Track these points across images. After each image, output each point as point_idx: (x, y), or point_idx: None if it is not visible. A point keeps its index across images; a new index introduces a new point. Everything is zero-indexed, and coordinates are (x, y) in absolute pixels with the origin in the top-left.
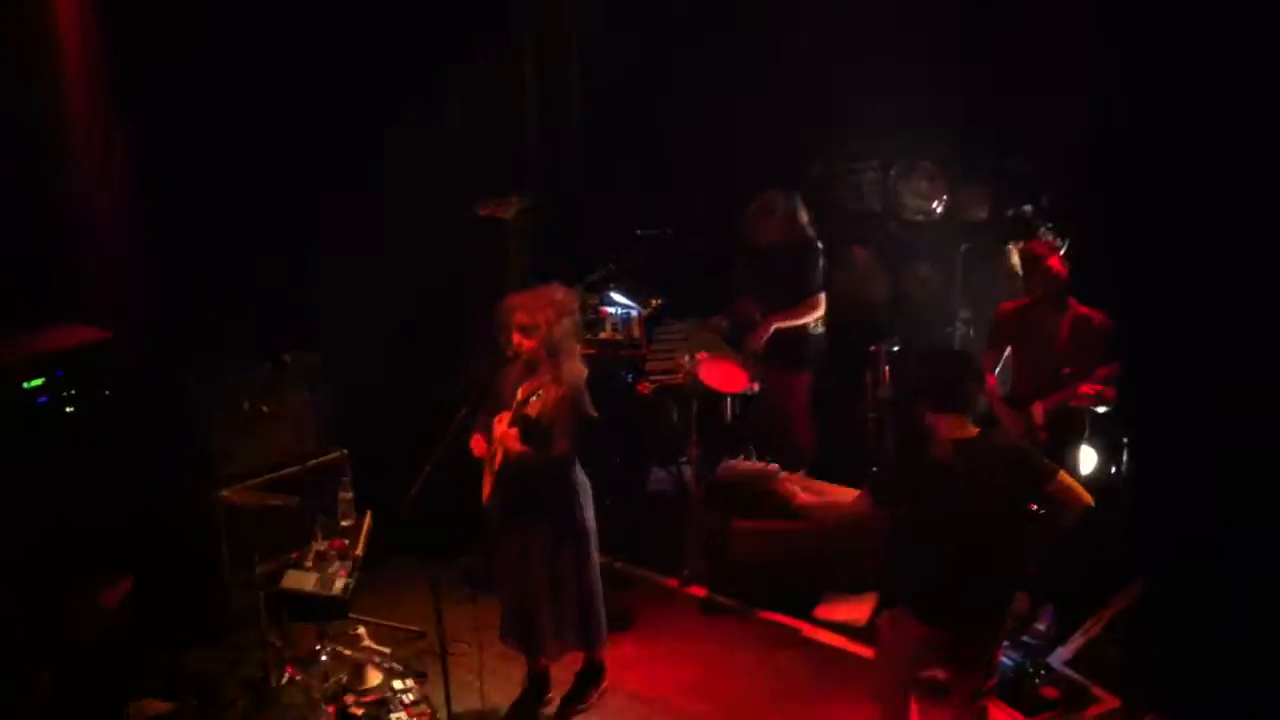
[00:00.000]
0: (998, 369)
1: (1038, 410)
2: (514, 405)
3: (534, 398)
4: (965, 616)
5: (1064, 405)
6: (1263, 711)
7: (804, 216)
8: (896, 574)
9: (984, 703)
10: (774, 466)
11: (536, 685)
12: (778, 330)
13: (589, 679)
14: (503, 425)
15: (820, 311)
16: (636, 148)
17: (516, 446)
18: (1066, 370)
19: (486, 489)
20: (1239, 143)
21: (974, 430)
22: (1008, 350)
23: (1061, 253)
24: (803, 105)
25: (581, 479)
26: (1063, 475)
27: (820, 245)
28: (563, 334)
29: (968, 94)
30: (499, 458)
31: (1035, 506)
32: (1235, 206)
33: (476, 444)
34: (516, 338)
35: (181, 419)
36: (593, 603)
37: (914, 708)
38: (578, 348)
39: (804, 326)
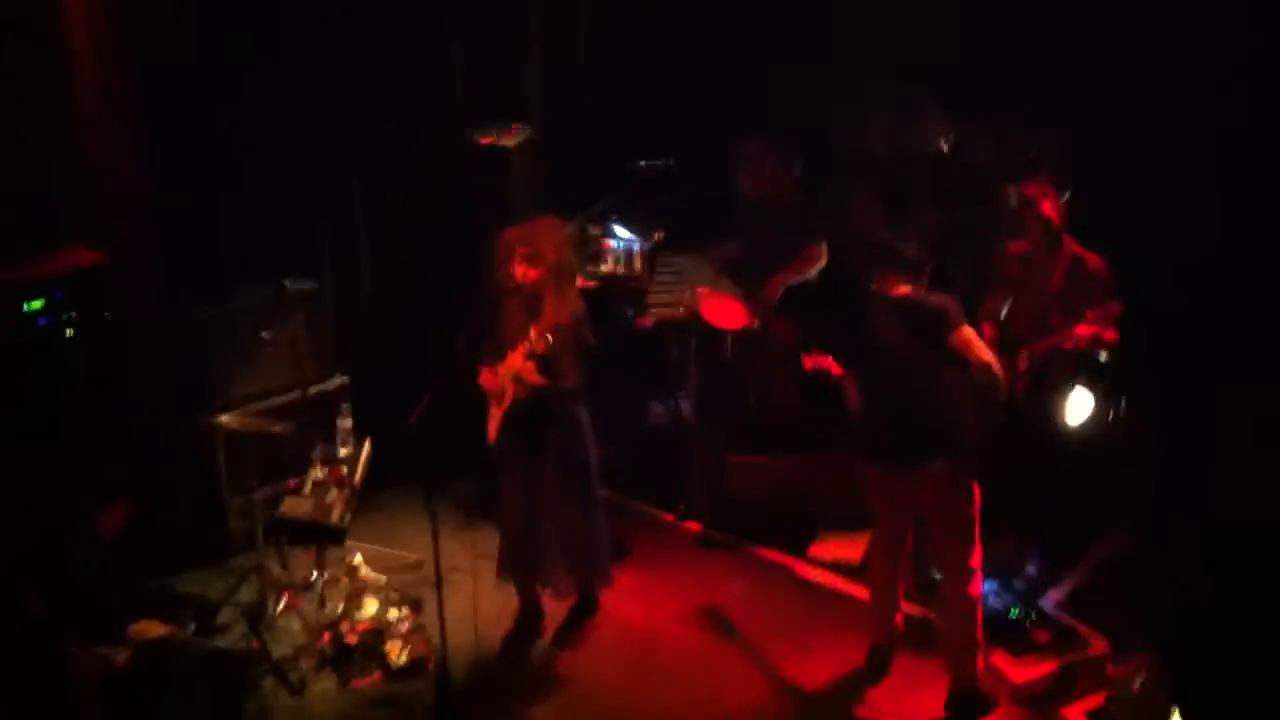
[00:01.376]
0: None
1: (1022, 357)
2: (527, 342)
3: (548, 334)
4: (900, 454)
5: (1058, 349)
6: (1253, 651)
7: (794, 170)
8: (859, 424)
9: (973, 575)
10: None
11: (531, 616)
12: (797, 279)
13: (583, 611)
14: (518, 360)
15: (824, 261)
16: (640, 79)
17: (535, 379)
18: (1057, 318)
19: (493, 427)
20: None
21: (906, 289)
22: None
23: (1064, 198)
24: (807, 44)
25: (585, 416)
26: (964, 331)
27: (802, 204)
28: (566, 263)
29: (968, 32)
30: (508, 395)
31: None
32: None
33: (486, 377)
34: (520, 269)
35: (182, 344)
36: (594, 539)
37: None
38: (576, 279)
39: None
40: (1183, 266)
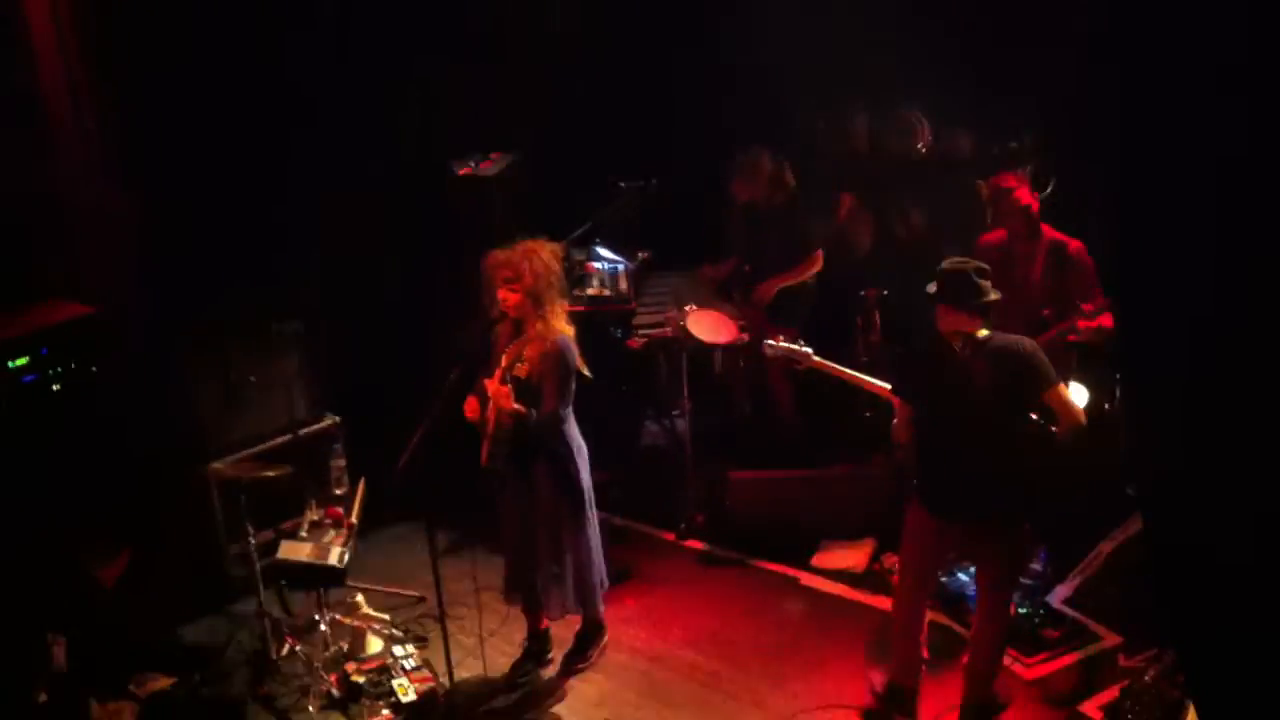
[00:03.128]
0: None
1: None
2: (503, 366)
3: (519, 361)
4: (967, 509)
5: (1060, 342)
6: (1264, 641)
7: (789, 175)
8: (915, 465)
9: (1007, 613)
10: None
11: (537, 644)
12: (792, 285)
13: (590, 637)
14: (494, 386)
15: (819, 266)
16: (621, 97)
17: (510, 406)
18: (1045, 311)
19: (484, 452)
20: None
21: (985, 330)
22: None
23: (1048, 190)
24: (789, 49)
25: (578, 439)
26: (1061, 388)
27: (801, 205)
28: (547, 285)
29: (953, 33)
30: (493, 421)
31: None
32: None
33: (470, 407)
34: (502, 292)
35: (171, 392)
36: (592, 562)
37: (926, 615)
38: (563, 303)
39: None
40: (1168, 261)
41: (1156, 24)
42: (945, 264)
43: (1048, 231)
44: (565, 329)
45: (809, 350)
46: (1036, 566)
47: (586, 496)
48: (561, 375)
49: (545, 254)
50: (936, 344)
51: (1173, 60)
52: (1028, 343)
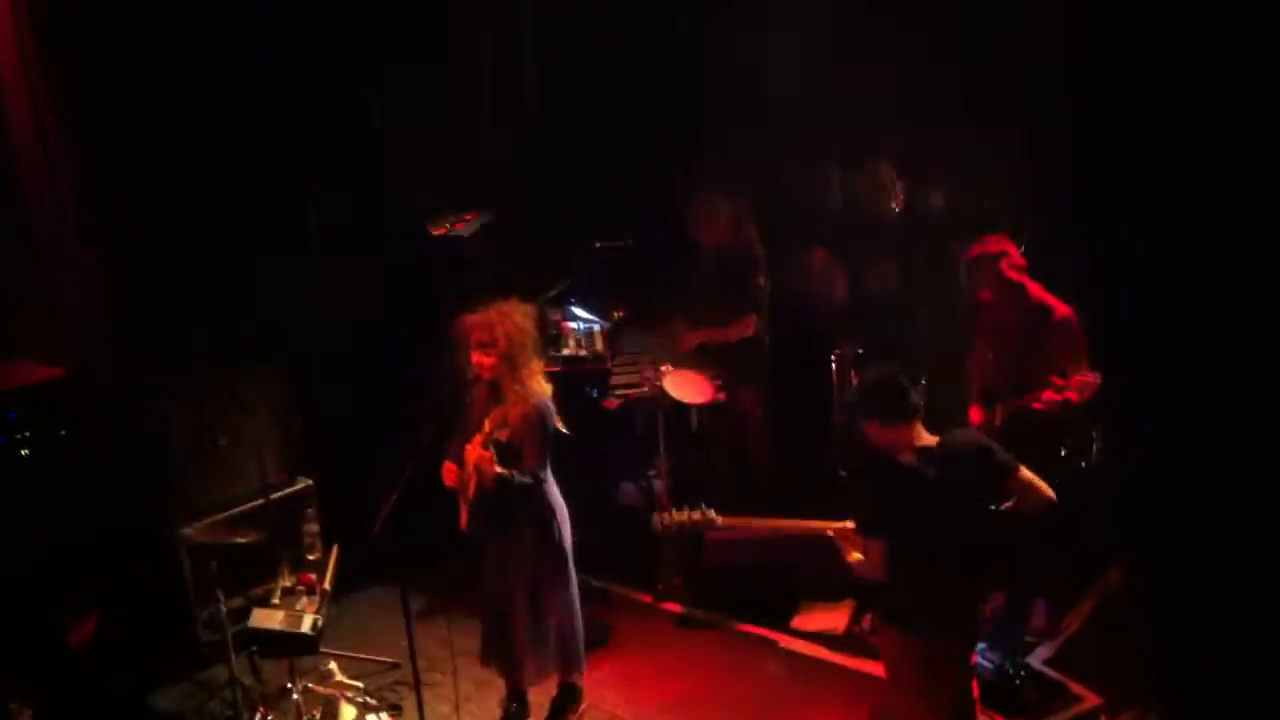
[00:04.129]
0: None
1: (998, 412)
2: (484, 433)
3: (503, 426)
4: (937, 622)
5: (1027, 409)
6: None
7: (751, 229)
8: (885, 591)
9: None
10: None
11: (515, 709)
12: (715, 342)
13: (566, 701)
14: (476, 450)
15: (749, 333)
16: (597, 153)
17: (494, 471)
18: (1026, 372)
19: (464, 517)
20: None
21: (931, 437)
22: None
23: (1020, 247)
24: (765, 102)
25: (559, 499)
26: (1023, 471)
27: (762, 258)
28: (521, 347)
29: (932, 90)
30: (473, 485)
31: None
32: (1194, 199)
33: (448, 473)
34: (476, 356)
35: (141, 455)
36: (571, 625)
37: None
38: (539, 364)
39: (756, 338)
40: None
41: None
42: (868, 374)
43: (1036, 292)
44: (543, 389)
45: (714, 515)
46: (1037, 623)
47: (568, 557)
48: (541, 436)
49: (518, 316)
50: (876, 461)
51: None
52: (976, 438)
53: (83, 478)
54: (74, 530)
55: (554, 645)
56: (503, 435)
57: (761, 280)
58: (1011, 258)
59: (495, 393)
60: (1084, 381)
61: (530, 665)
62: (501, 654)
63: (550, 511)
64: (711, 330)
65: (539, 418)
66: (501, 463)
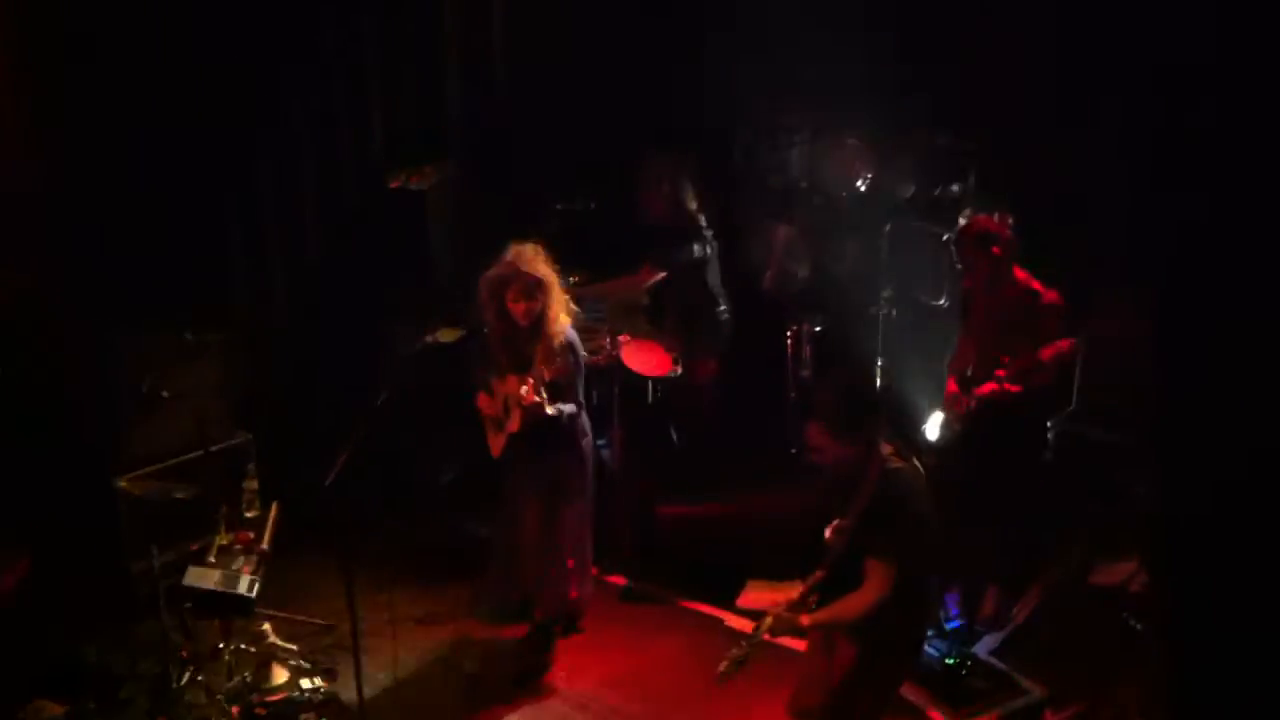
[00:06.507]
0: None
1: (970, 399)
2: (535, 375)
3: (550, 363)
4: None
5: (1002, 391)
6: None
7: (691, 202)
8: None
9: None
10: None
11: (542, 634)
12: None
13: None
14: (530, 396)
15: (641, 285)
16: (561, 113)
17: (548, 411)
18: (1005, 357)
19: (497, 446)
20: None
21: (897, 459)
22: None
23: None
24: (733, 74)
25: (588, 424)
26: (876, 561)
27: (707, 234)
28: (553, 282)
29: (899, 65)
30: (516, 419)
31: None
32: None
33: (484, 402)
34: (522, 304)
35: (79, 402)
36: (584, 543)
37: None
38: (563, 294)
39: (715, 312)
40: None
41: None
42: (833, 374)
43: (1020, 279)
44: (567, 320)
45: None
46: (988, 611)
47: (590, 477)
48: (578, 366)
49: (539, 256)
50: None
51: None
52: (905, 488)
53: (16, 419)
54: (8, 469)
55: (575, 574)
56: (548, 374)
57: (697, 250)
58: (1002, 238)
59: (514, 334)
60: (1056, 353)
61: (557, 593)
62: (526, 582)
63: (584, 433)
64: (612, 284)
65: (574, 349)
66: (550, 398)
